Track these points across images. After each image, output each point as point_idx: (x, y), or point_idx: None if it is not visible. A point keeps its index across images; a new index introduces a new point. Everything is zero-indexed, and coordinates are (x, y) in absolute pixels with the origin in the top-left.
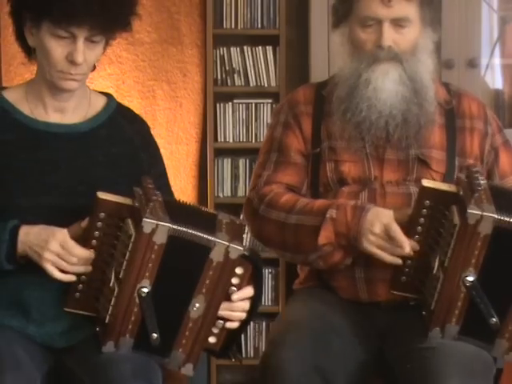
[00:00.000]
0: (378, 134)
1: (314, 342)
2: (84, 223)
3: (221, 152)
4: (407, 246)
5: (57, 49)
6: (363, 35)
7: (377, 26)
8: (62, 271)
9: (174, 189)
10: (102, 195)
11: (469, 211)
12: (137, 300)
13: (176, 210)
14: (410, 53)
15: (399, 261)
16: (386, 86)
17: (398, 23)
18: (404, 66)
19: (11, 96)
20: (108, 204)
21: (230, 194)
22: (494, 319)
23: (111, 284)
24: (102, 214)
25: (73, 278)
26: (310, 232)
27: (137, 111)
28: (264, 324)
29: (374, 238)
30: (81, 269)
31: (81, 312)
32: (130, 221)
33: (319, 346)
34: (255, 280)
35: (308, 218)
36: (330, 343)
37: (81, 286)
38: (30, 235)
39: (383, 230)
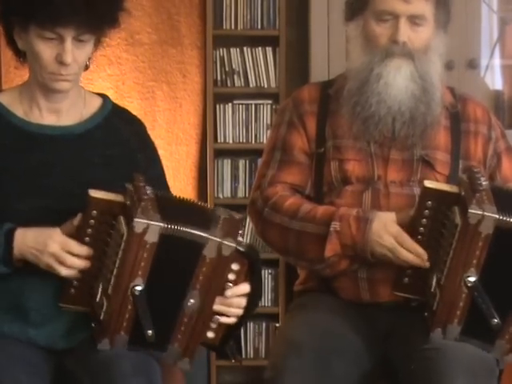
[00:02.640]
0: (384, 132)
1: (316, 365)
2: (76, 221)
3: (221, 153)
4: (425, 255)
5: (45, 51)
6: (378, 29)
7: (393, 21)
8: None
9: (173, 190)
10: (93, 193)
11: (470, 211)
12: (131, 298)
13: (169, 207)
14: (422, 52)
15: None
16: (397, 81)
17: (414, 21)
18: (416, 63)
19: (5, 99)
20: (100, 202)
21: (229, 195)
22: (495, 320)
23: (105, 282)
24: (95, 212)
25: (76, 273)
26: (313, 240)
27: (136, 112)
28: (264, 325)
29: (383, 250)
30: (81, 264)
31: (76, 307)
32: (122, 218)
33: (321, 369)
34: (251, 275)
35: (310, 225)
36: (331, 365)
37: (75, 282)
38: (26, 239)
39: (393, 241)
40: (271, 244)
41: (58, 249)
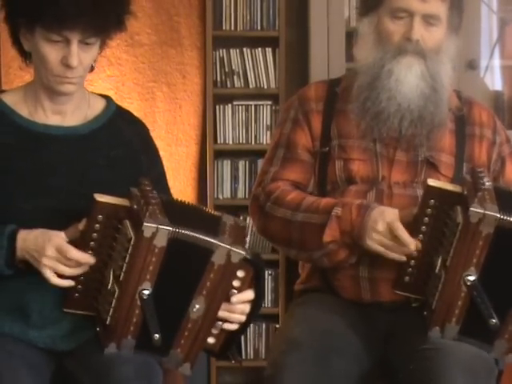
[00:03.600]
0: (391, 130)
1: (316, 362)
2: (81, 225)
3: (220, 154)
4: (412, 244)
5: (51, 53)
6: (393, 26)
7: (408, 19)
8: (61, 276)
9: (173, 190)
10: (99, 197)
11: (471, 209)
12: (138, 302)
13: (176, 212)
14: (434, 52)
15: (403, 258)
16: (408, 79)
17: (429, 20)
18: (427, 63)
19: (10, 99)
20: (106, 206)
21: (229, 196)
22: (493, 320)
23: (110, 286)
24: (100, 217)
25: (71, 283)
26: (316, 230)
27: (136, 113)
28: (264, 326)
29: (376, 236)
30: (79, 271)
31: (80, 312)
32: (127, 222)
33: (321, 367)
34: (256, 283)
35: (314, 215)
36: (331, 363)
37: (79, 286)
38: (27, 241)
39: (386, 228)
40: (272, 237)
41: (55, 251)
